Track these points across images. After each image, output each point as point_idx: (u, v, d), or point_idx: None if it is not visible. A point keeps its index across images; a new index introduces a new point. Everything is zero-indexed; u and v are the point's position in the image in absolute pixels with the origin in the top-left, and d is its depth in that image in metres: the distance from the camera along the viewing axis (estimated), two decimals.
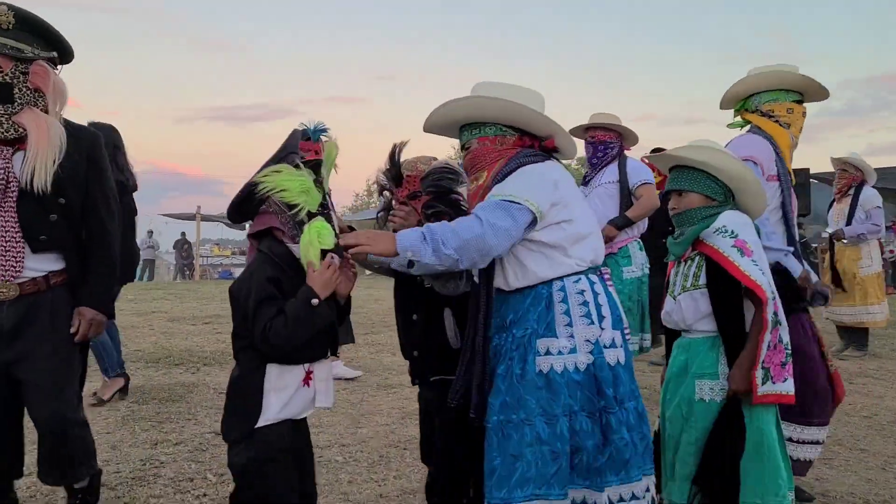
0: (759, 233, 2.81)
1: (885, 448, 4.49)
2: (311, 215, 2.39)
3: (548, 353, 2.39)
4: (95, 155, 2.96)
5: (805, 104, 3.63)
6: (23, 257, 2.77)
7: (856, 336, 7.72)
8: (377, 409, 5.31)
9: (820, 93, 3.61)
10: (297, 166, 2.43)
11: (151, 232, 25.44)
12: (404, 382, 5.79)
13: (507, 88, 2.55)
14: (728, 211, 2.76)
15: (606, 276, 2.59)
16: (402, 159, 2.89)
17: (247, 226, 2.75)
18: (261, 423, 2.35)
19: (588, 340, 2.40)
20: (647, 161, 5.47)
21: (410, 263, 2.29)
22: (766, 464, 2.64)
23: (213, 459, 4.05)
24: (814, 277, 3.46)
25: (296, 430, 2.46)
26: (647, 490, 2.43)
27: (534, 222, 2.38)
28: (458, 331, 2.81)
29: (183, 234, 26.57)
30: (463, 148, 2.65)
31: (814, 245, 15.67)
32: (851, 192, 7.58)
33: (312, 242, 2.34)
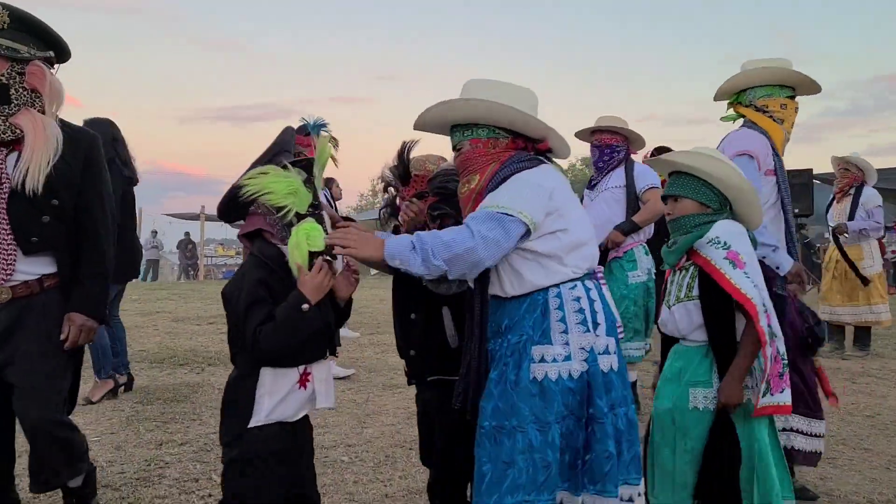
0: (755, 242, 2.82)
1: (889, 447, 4.50)
2: (300, 216, 2.36)
3: (542, 360, 2.36)
4: (93, 157, 2.93)
5: (797, 99, 3.67)
6: (14, 260, 2.74)
7: (859, 336, 7.73)
8: (382, 409, 5.32)
9: (812, 88, 3.66)
10: (285, 167, 2.39)
11: (155, 232, 25.48)
12: None
13: (499, 87, 2.49)
14: (723, 221, 2.75)
15: (600, 276, 2.57)
16: (411, 157, 2.85)
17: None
18: (251, 424, 2.33)
19: (583, 348, 2.37)
20: (646, 162, 5.45)
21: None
22: (758, 472, 2.64)
23: (217, 460, 4.04)
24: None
25: (290, 433, 2.41)
26: (631, 500, 2.41)
27: (527, 234, 2.35)
28: (457, 330, 2.79)
29: (187, 234, 26.59)
30: (454, 148, 2.59)
31: (817, 245, 15.66)
32: (852, 191, 7.60)
33: (300, 245, 2.30)
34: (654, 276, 5.27)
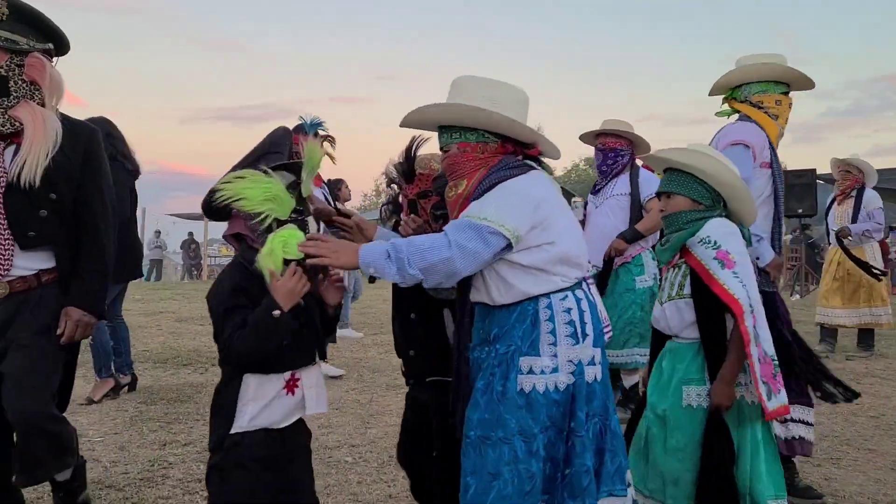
0: (749, 239, 2.82)
1: (893, 448, 4.48)
2: (281, 222, 2.29)
3: (531, 371, 2.33)
4: (92, 150, 2.89)
5: (792, 95, 3.71)
6: (11, 255, 2.71)
7: (862, 337, 7.72)
8: (386, 409, 5.32)
9: (807, 84, 3.69)
10: (266, 171, 2.31)
11: (159, 232, 25.47)
12: None
13: (488, 86, 2.44)
14: (715, 219, 2.75)
15: (590, 281, 2.54)
16: (418, 154, 2.83)
17: None
18: (233, 430, 2.29)
19: (570, 361, 2.35)
20: (640, 160, 5.42)
21: (372, 279, 2.27)
22: (752, 470, 2.65)
23: None
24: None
25: (277, 439, 2.35)
26: None
27: (508, 247, 2.30)
28: None
29: (190, 234, 26.59)
30: (441, 149, 2.54)
31: (821, 245, 15.64)
32: (853, 193, 7.62)
33: (273, 252, 2.23)
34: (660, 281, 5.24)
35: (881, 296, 7.52)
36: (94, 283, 2.89)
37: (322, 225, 2.87)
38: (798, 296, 14.35)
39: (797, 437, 3.46)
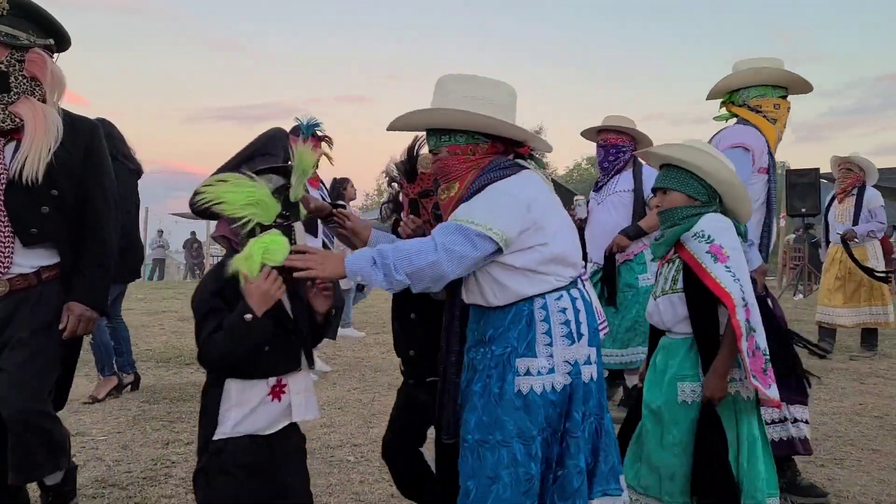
0: (744, 234, 2.82)
1: None
2: (265, 227, 2.25)
3: (528, 373, 2.32)
4: (94, 145, 2.87)
5: (790, 98, 3.70)
6: (12, 252, 2.68)
7: (866, 336, 7.70)
8: (388, 408, 5.25)
9: (804, 87, 3.69)
10: (251, 175, 2.26)
11: (161, 231, 25.50)
12: None
13: (473, 85, 2.41)
14: (710, 214, 2.75)
15: (585, 279, 2.52)
16: (420, 153, 2.81)
17: None
18: (216, 436, 2.26)
19: (567, 361, 2.33)
20: (637, 156, 5.41)
21: (360, 287, 2.25)
22: (746, 466, 2.65)
23: None
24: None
25: (264, 445, 2.31)
26: None
27: (497, 251, 2.28)
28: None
29: (193, 233, 26.60)
30: (431, 152, 2.52)
31: (821, 244, 15.58)
32: (854, 192, 7.61)
33: (251, 256, 2.18)
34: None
35: (882, 294, 7.51)
36: (97, 278, 2.87)
37: (321, 225, 2.85)
38: (801, 295, 14.36)
39: (800, 437, 3.46)
